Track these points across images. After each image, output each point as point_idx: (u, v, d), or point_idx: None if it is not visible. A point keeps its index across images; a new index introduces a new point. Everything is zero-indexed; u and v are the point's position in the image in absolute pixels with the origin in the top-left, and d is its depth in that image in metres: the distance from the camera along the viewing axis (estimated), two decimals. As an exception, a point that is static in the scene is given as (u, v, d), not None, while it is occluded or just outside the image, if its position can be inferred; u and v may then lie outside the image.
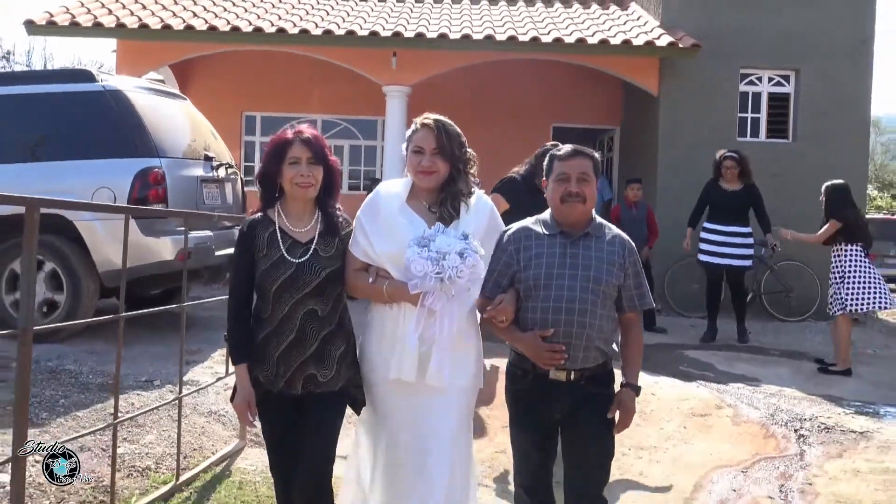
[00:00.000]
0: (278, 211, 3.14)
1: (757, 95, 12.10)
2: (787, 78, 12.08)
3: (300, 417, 3.11)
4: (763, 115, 12.10)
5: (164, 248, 6.71)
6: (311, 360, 3.05)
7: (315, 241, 3.09)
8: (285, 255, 3.03)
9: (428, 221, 3.04)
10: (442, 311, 2.93)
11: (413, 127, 3.16)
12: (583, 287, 3.01)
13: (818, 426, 5.90)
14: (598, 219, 3.20)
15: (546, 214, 3.20)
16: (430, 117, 3.12)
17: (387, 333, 3.10)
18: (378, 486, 3.19)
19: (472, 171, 3.19)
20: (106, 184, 6.51)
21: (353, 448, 3.38)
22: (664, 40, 11.19)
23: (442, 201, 3.09)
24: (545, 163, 3.24)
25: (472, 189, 3.18)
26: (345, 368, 3.13)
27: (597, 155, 3.20)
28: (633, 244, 3.19)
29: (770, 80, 12.10)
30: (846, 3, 11.83)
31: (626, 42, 11.18)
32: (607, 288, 3.05)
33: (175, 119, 7.50)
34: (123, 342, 3.85)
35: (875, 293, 7.59)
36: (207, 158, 7.55)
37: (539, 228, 3.17)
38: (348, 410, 3.28)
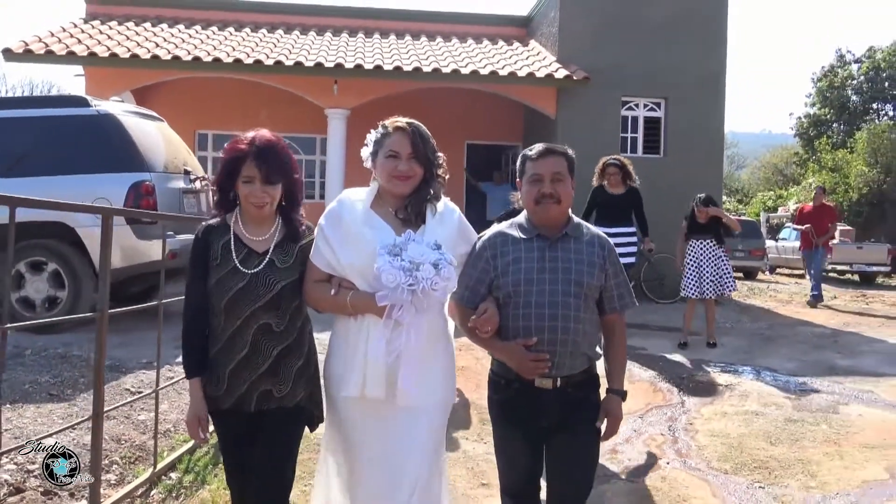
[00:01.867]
0: (236, 217, 2.60)
1: (635, 119, 12.94)
2: (658, 104, 12.95)
3: (254, 434, 2.59)
4: (640, 135, 12.94)
5: (156, 250, 6.87)
6: (265, 376, 2.53)
7: (272, 251, 2.55)
8: (238, 265, 2.50)
9: (395, 227, 2.52)
10: (409, 324, 2.40)
11: (381, 130, 2.60)
12: (564, 291, 2.57)
13: (694, 382, 6.61)
14: (576, 219, 2.73)
15: (522, 217, 2.74)
16: (401, 120, 2.59)
17: (350, 348, 2.53)
18: None
19: (442, 176, 2.66)
20: (103, 195, 6.61)
21: (320, 471, 2.79)
22: (561, 73, 11.87)
23: (407, 205, 2.56)
24: (517, 164, 2.79)
25: (440, 192, 2.65)
26: (303, 384, 2.62)
27: (570, 152, 2.72)
28: (611, 242, 2.76)
29: (645, 106, 12.95)
30: (703, 44, 12.78)
31: (531, 74, 11.82)
32: (589, 290, 2.61)
33: (156, 138, 7.62)
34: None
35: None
36: (186, 172, 7.71)
37: (515, 232, 2.70)
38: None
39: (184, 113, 13.82)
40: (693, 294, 8.15)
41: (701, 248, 8.15)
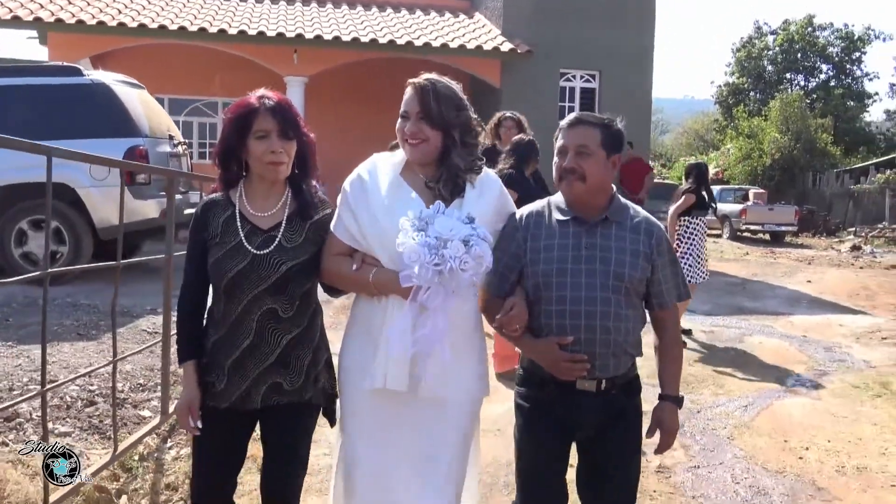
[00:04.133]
0: (241, 191, 2.30)
1: (572, 90, 13.98)
2: (593, 76, 14.02)
3: (258, 431, 2.36)
4: (577, 105, 14.01)
5: (150, 209, 7.51)
6: (273, 368, 2.24)
7: (282, 228, 2.24)
8: (243, 241, 2.21)
9: (426, 198, 2.19)
10: (437, 308, 2.07)
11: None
12: (603, 284, 2.20)
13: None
14: (622, 200, 2.34)
15: (559, 196, 2.35)
16: (422, 77, 2.23)
17: (372, 333, 2.23)
18: None
19: (477, 142, 2.29)
20: (102, 159, 7.19)
21: (339, 467, 2.41)
22: (506, 47, 12.77)
23: (439, 177, 2.22)
24: (554, 137, 2.35)
25: (477, 163, 2.28)
26: (315, 377, 2.32)
27: (613, 121, 2.29)
28: (664, 230, 2.34)
29: (581, 77, 14.00)
30: (634, 22, 13.85)
31: (479, 47, 12.70)
32: (631, 283, 2.23)
33: (142, 105, 8.18)
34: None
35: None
36: (171, 137, 8.31)
37: (552, 213, 2.32)
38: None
39: (139, 78, 14.05)
40: (703, 279, 7.01)
41: (703, 228, 7.01)
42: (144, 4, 12.77)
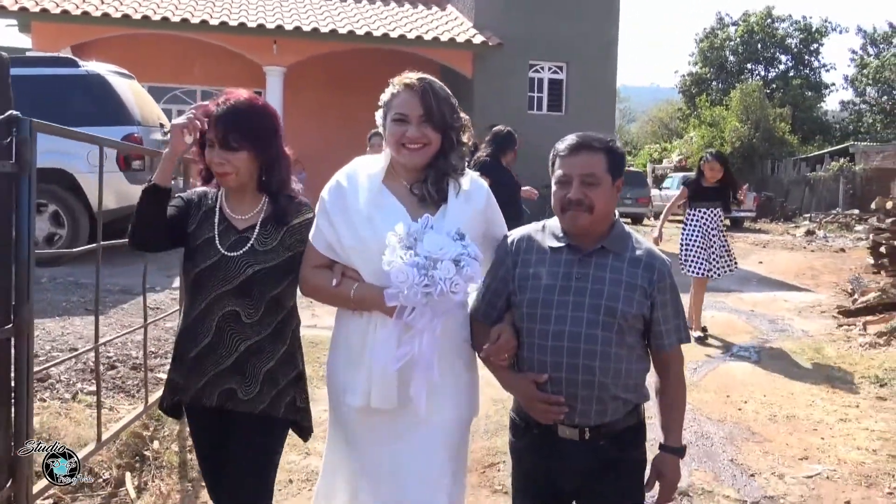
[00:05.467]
0: (223, 189, 2.24)
1: (541, 80, 14.60)
2: (560, 68, 14.64)
3: (225, 436, 2.24)
4: (545, 95, 14.63)
5: (145, 193, 7.91)
6: (228, 373, 2.15)
7: (256, 230, 2.17)
8: (216, 238, 2.15)
9: (409, 206, 2.06)
10: (423, 328, 1.97)
11: (391, 90, 2.10)
12: (590, 320, 2.00)
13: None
14: (624, 228, 2.13)
15: (556, 220, 2.15)
16: (411, 76, 2.07)
17: (353, 349, 2.12)
18: None
19: (465, 143, 2.16)
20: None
21: (323, 484, 2.34)
22: (478, 39, 13.33)
23: (425, 179, 2.08)
24: (550, 161, 2.13)
25: (465, 163, 2.17)
26: (274, 388, 2.19)
27: (616, 145, 2.09)
28: (669, 266, 2.10)
29: (549, 69, 14.61)
30: (599, 16, 14.49)
31: (452, 39, 13.24)
32: (624, 321, 2.01)
33: (133, 94, 8.56)
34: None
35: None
36: (161, 125, 8.72)
37: (544, 238, 2.14)
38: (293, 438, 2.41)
39: (119, 66, 14.36)
40: (701, 273, 6.74)
41: (709, 218, 6.68)
42: (125, -5, 13.07)
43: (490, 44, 13.45)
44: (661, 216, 7.14)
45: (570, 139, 2.08)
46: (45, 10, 11.44)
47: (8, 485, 2.39)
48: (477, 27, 13.95)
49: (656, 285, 2.04)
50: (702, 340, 6.65)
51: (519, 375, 2.10)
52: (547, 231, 2.16)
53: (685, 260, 6.83)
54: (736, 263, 7.01)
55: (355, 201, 2.07)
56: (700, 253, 6.72)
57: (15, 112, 2.53)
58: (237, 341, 2.15)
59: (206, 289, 2.15)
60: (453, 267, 1.88)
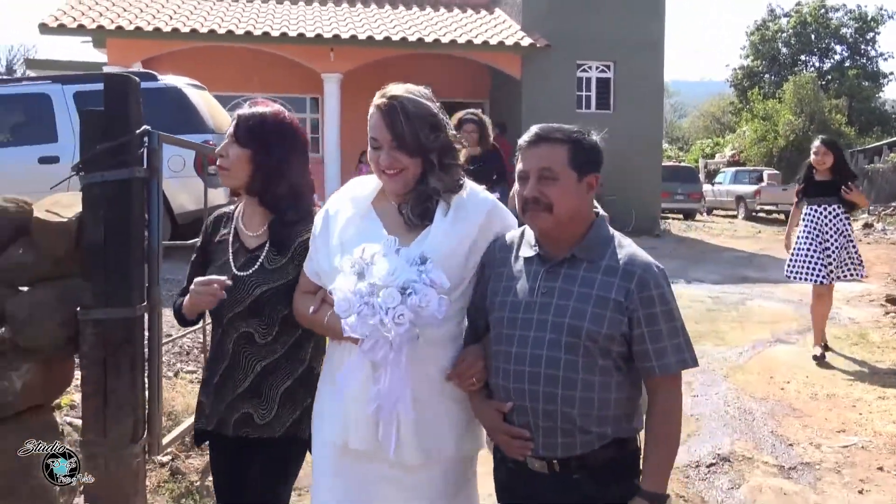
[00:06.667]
0: (241, 207, 2.24)
1: (588, 79, 14.87)
2: (608, 66, 14.88)
3: (242, 466, 2.15)
4: (593, 94, 14.90)
5: (219, 196, 8.52)
6: (245, 396, 2.10)
7: (265, 249, 2.11)
8: (230, 260, 2.13)
9: (396, 228, 1.90)
10: (386, 363, 1.77)
11: (370, 109, 1.92)
12: (552, 341, 1.76)
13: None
14: (603, 232, 1.85)
15: None
16: (386, 93, 1.89)
17: (331, 381, 1.97)
18: None
19: (457, 161, 1.96)
20: (178, 153, 8.21)
21: None
22: (526, 41, 13.71)
23: (407, 206, 1.92)
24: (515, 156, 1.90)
25: (458, 183, 1.94)
26: (289, 411, 2.11)
27: (580, 135, 1.82)
28: (659, 273, 1.78)
29: (597, 68, 14.88)
30: (645, 13, 14.68)
31: (500, 43, 13.64)
32: (592, 342, 1.75)
33: (206, 104, 9.18)
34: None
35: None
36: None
37: (521, 245, 1.91)
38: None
39: (185, 76, 15.18)
40: (817, 279, 5.83)
41: (824, 216, 5.85)
42: (192, 10, 13.82)
43: (538, 45, 13.81)
44: (788, 223, 6.31)
45: (531, 130, 1.84)
46: (119, 28, 12.23)
47: (144, 436, 2.88)
48: (525, 29, 14.31)
49: (636, 296, 1.73)
50: (820, 360, 5.75)
51: (485, 403, 1.88)
52: (525, 237, 1.90)
53: (794, 267, 5.92)
54: (863, 268, 5.96)
55: (339, 222, 1.94)
56: (815, 256, 5.79)
57: (147, 126, 3.01)
58: (253, 362, 2.10)
59: (221, 312, 2.12)
60: (398, 296, 1.68)
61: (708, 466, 3.97)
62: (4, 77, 12.18)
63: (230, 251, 2.14)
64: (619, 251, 1.81)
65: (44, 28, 12.04)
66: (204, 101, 9.19)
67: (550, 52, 13.99)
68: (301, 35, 12.92)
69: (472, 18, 15.43)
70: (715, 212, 23.94)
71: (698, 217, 21.65)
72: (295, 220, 2.12)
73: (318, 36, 12.99)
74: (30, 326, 2.78)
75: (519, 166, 1.84)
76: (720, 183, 23.59)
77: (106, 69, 12.28)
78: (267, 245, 2.11)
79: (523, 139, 1.84)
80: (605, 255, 1.80)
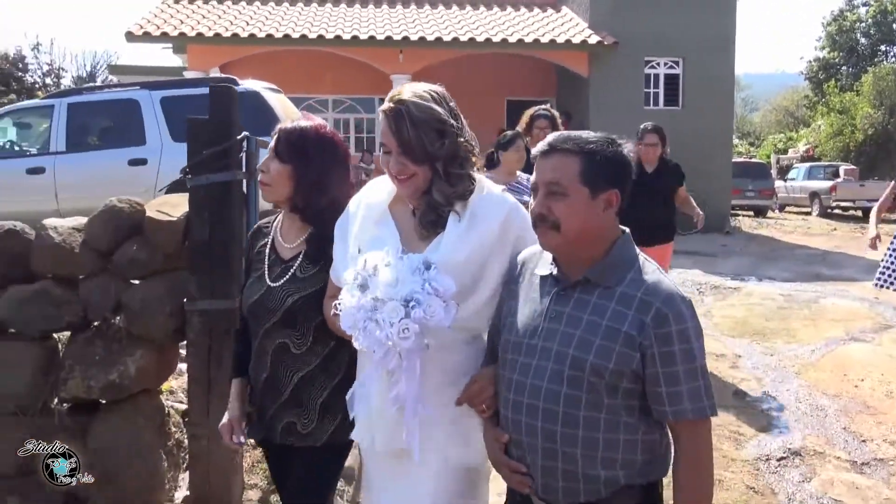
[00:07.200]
0: (280, 219, 2.23)
1: (656, 76, 14.74)
2: (677, 62, 14.72)
3: (288, 471, 2.20)
4: (661, 90, 14.76)
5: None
6: (287, 406, 2.10)
7: (299, 259, 2.10)
8: (265, 272, 2.13)
9: (408, 232, 1.88)
10: (395, 369, 1.76)
11: None
12: (554, 373, 1.61)
13: (711, 286, 8.66)
14: (626, 253, 1.66)
15: None
16: (393, 98, 1.84)
17: (362, 383, 1.97)
18: None
19: (463, 171, 1.87)
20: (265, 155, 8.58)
21: None
22: (593, 39, 13.71)
23: (421, 207, 1.88)
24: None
25: (467, 190, 1.86)
26: (330, 419, 2.10)
27: (604, 147, 1.63)
28: (682, 306, 1.57)
29: (665, 64, 14.74)
30: (714, 8, 14.46)
31: (568, 41, 13.67)
32: (597, 377, 1.57)
33: (281, 107, 9.55)
34: None
35: None
36: (306, 134, 9.68)
37: (540, 262, 1.75)
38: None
39: (260, 79, 15.72)
40: None
41: None
42: (266, 16, 14.32)
43: (606, 43, 13.79)
44: (872, 213, 5.73)
45: (548, 138, 1.68)
46: (200, 34, 12.79)
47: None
48: (592, 27, 14.31)
49: (651, 332, 1.54)
50: None
51: (490, 431, 1.78)
52: (543, 254, 1.74)
53: (887, 275, 5.24)
54: None
55: (356, 225, 1.93)
56: None
57: (246, 132, 3.26)
58: (290, 373, 2.08)
59: (257, 324, 2.12)
60: (401, 310, 1.62)
61: (778, 460, 4.02)
62: (97, 85, 12.85)
63: (266, 263, 2.14)
64: (640, 277, 1.61)
65: (130, 36, 12.69)
66: (280, 103, 9.55)
67: (618, 49, 13.95)
68: (371, 38, 13.23)
69: (539, 17, 15.49)
70: (787, 209, 23.30)
71: (770, 214, 21.14)
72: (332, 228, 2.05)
73: (388, 38, 13.28)
74: (142, 316, 3.08)
75: (532, 178, 1.70)
76: (793, 179, 22.93)
77: (186, 74, 12.87)
78: (301, 256, 2.10)
79: (537, 148, 1.69)
80: (623, 280, 1.61)
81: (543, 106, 5.59)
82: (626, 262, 1.63)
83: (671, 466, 1.64)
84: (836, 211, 21.17)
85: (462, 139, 1.87)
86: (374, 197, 1.95)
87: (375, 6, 15.85)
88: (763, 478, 3.84)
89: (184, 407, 3.65)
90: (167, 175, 8.50)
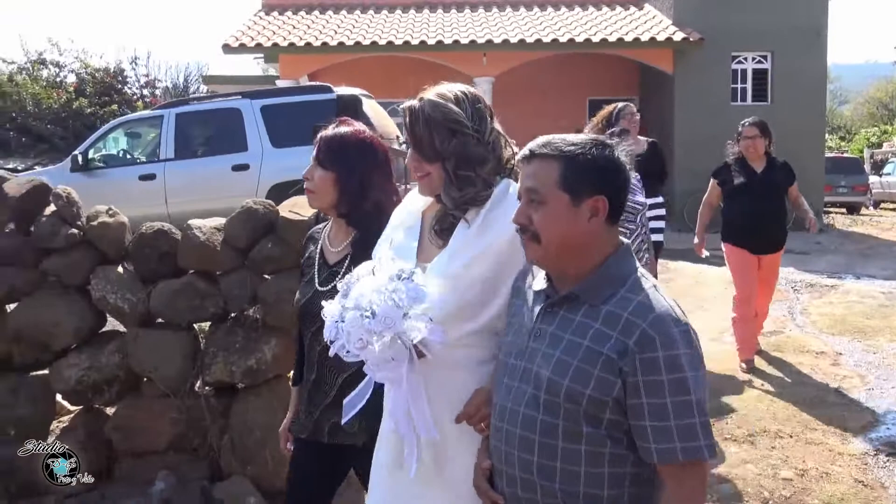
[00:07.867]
0: (330, 224, 2.27)
1: (744, 71, 14.43)
2: (765, 57, 14.39)
3: (326, 469, 2.24)
4: (749, 86, 14.45)
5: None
6: (333, 407, 2.11)
7: (346, 263, 2.11)
8: (315, 275, 2.17)
9: (425, 240, 1.85)
10: (390, 380, 1.73)
11: None
12: (531, 397, 1.47)
13: (806, 284, 8.49)
14: (622, 267, 1.50)
15: None
16: (417, 96, 1.81)
17: (375, 394, 1.89)
18: None
19: (473, 173, 1.77)
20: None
21: None
22: (678, 36, 13.55)
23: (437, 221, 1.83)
24: None
25: (481, 195, 1.77)
26: (376, 420, 2.02)
27: (589, 150, 1.48)
28: (675, 329, 1.38)
29: (753, 59, 14.42)
30: (805, 2, 14.06)
31: (652, 39, 13.57)
32: (573, 403, 1.42)
33: (374, 112, 9.86)
34: None
35: None
36: (397, 137, 9.96)
37: (537, 275, 1.60)
38: None
39: (348, 85, 16.19)
40: None
41: None
42: (353, 24, 14.75)
43: (691, 39, 13.61)
44: None
45: (530, 144, 1.54)
46: (292, 44, 13.30)
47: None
48: (676, 23, 14.14)
49: (634, 357, 1.37)
50: None
51: (478, 454, 1.68)
52: None
53: None
54: None
55: (388, 236, 1.91)
56: None
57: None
58: (335, 375, 2.12)
59: (306, 326, 2.18)
60: (359, 319, 1.57)
61: (888, 455, 3.99)
62: (202, 95, 13.56)
63: (315, 267, 2.19)
64: (630, 295, 1.44)
65: (226, 48, 13.31)
66: (372, 109, 9.86)
67: (703, 45, 13.74)
68: (456, 42, 13.47)
69: (622, 15, 15.41)
70: (882, 205, 22.37)
71: (864, 211, 20.36)
72: (379, 235, 2.01)
73: (472, 42, 13.49)
74: (276, 308, 3.34)
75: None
76: (889, 174, 21.98)
77: (279, 83, 13.39)
78: (348, 259, 2.12)
79: (518, 155, 1.58)
80: (612, 297, 1.45)
81: (626, 103, 5.56)
82: (619, 278, 1.47)
83: None
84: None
85: (480, 141, 1.77)
86: (413, 203, 1.94)
87: (458, 11, 16.09)
88: (872, 472, 3.83)
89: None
90: (268, 179, 8.96)
